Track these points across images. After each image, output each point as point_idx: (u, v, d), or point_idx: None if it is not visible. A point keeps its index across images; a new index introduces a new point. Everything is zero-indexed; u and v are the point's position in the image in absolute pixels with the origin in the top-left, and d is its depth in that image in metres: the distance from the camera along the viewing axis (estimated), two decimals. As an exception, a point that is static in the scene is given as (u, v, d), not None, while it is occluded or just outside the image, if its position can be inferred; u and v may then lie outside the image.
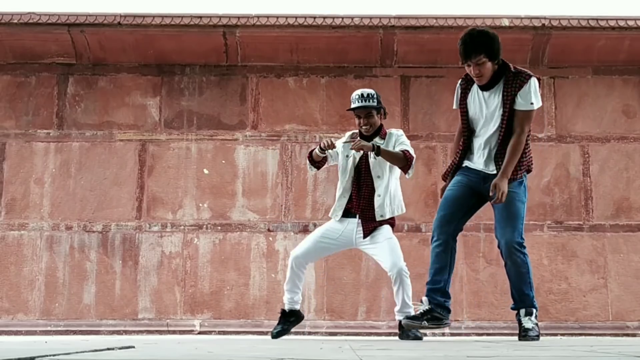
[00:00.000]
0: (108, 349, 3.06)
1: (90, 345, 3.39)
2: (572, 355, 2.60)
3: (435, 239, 4.38)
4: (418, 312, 4.31)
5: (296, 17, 6.49)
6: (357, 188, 4.77)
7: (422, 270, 6.40)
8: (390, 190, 4.78)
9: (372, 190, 4.74)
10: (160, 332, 6.22)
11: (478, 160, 4.32)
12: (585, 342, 4.22)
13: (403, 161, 4.66)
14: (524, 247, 4.25)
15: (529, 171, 4.34)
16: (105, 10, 6.63)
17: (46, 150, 6.62)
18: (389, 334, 6.11)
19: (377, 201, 4.71)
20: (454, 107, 4.49)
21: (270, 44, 6.63)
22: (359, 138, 4.70)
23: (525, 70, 4.22)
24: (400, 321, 4.64)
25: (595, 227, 6.50)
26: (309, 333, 6.17)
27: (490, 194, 4.17)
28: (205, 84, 6.76)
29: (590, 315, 6.35)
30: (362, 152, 4.69)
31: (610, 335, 6.11)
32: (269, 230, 6.48)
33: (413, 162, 4.69)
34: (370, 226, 4.74)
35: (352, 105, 4.78)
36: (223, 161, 6.61)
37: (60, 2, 8.86)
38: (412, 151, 4.72)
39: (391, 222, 4.83)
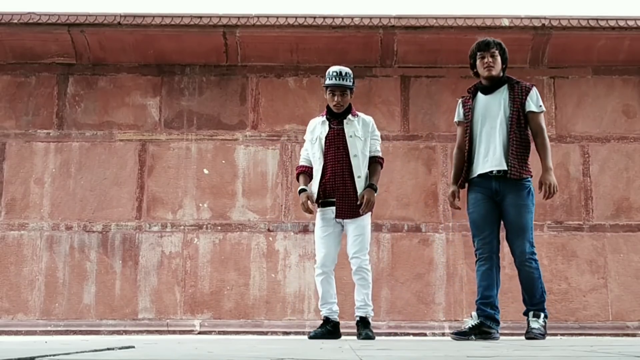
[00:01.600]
0: (108, 349, 3.06)
1: (90, 345, 3.39)
2: (572, 355, 2.60)
3: (479, 259, 4.58)
4: (467, 327, 4.50)
5: (296, 17, 6.49)
6: (327, 169, 4.78)
7: (422, 270, 6.42)
8: (366, 168, 4.85)
9: (346, 170, 4.76)
10: (160, 332, 6.22)
11: (485, 165, 4.51)
12: (585, 342, 4.23)
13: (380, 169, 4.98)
14: (535, 254, 4.50)
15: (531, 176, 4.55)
16: (105, 10, 6.65)
17: (46, 150, 6.62)
18: (389, 334, 6.11)
19: (358, 182, 4.76)
20: (456, 120, 4.74)
21: (270, 44, 6.64)
22: (364, 205, 4.72)
23: (524, 82, 4.67)
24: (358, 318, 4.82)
25: (595, 227, 6.50)
26: (309, 333, 6.16)
27: (539, 191, 4.49)
28: (205, 84, 6.76)
29: (590, 315, 6.35)
30: (327, 130, 4.82)
31: (610, 335, 6.11)
32: (269, 230, 6.48)
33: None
34: (347, 207, 4.75)
35: (329, 82, 4.80)
36: (223, 161, 6.61)
37: (60, 2, 8.88)
38: (380, 149, 4.94)
39: None
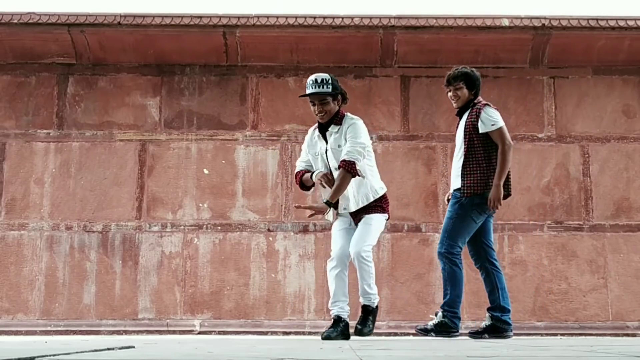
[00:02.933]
0: (108, 349, 3.06)
1: (90, 345, 3.39)
2: (572, 355, 2.60)
3: (477, 267, 5.05)
4: (481, 328, 4.89)
5: (296, 17, 6.49)
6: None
7: (422, 270, 6.42)
8: (354, 181, 4.56)
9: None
10: (160, 332, 6.22)
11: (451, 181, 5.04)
12: (585, 342, 4.23)
13: (349, 177, 4.48)
14: (445, 255, 4.86)
15: (476, 194, 4.78)
16: (105, 10, 6.64)
17: (46, 150, 6.62)
18: (389, 334, 6.11)
19: (341, 197, 4.59)
20: None
21: (270, 44, 6.63)
22: (311, 208, 4.59)
23: (482, 102, 4.95)
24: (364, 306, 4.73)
25: (595, 227, 6.50)
26: (309, 333, 6.17)
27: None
28: (205, 84, 6.76)
29: (590, 315, 6.35)
30: (325, 148, 4.63)
31: (610, 335, 6.11)
32: (269, 230, 6.48)
33: (357, 167, 4.47)
34: (354, 215, 4.66)
35: (307, 92, 4.56)
36: (223, 161, 6.61)
37: (60, 2, 8.88)
38: (356, 150, 4.48)
39: (377, 209, 4.66)
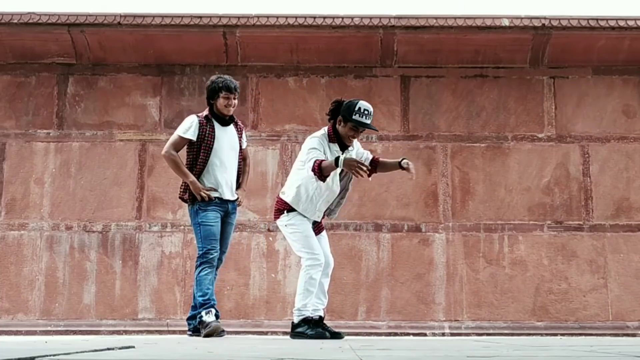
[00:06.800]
0: (108, 349, 3.06)
1: (90, 345, 3.39)
2: (572, 355, 2.60)
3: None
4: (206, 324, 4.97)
5: (296, 17, 6.49)
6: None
7: (422, 270, 6.43)
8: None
9: (337, 197, 5.03)
10: (160, 332, 6.22)
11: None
12: (585, 342, 4.23)
13: None
14: (199, 260, 5.07)
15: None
16: (105, 10, 6.63)
17: (46, 150, 6.62)
18: (389, 334, 6.11)
19: (339, 205, 5.09)
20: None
21: (270, 44, 6.64)
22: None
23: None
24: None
25: (595, 227, 6.51)
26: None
27: None
28: (205, 83, 6.75)
29: (590, 315, 6.35)
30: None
31: (610, 335, 6.11)
32: (269, 230, 6.48)
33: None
34: (320, 226, 5.09)
35: (360, 119, 4.71)
36: (223, 161, 6.60)
37: (60, 2, 8.87)
38: None
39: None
